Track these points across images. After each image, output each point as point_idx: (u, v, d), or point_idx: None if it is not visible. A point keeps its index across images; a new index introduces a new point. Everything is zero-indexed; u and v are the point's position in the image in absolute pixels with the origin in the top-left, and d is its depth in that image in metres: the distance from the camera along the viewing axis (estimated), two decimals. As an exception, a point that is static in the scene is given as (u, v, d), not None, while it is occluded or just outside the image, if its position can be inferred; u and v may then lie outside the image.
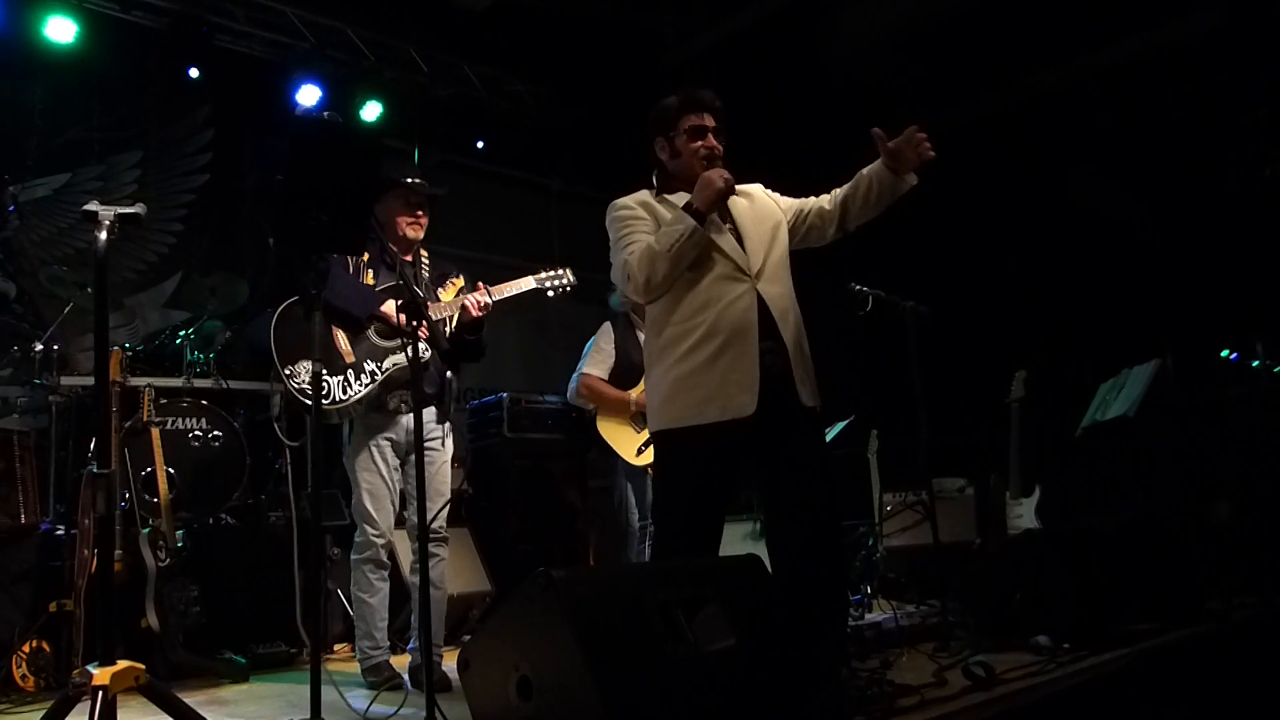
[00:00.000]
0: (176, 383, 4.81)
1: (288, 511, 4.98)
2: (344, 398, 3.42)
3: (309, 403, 3.15)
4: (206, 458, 4.71)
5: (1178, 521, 4.63)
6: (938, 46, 6.73)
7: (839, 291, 4.56)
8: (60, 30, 5.39)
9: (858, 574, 5.61)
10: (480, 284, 3.62)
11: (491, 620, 2.41)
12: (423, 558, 2.67)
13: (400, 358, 3.44)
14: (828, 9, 6.53)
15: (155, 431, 4.12)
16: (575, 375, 4.62)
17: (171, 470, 4.31)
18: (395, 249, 3.45)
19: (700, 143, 2.83)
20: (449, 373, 3.60)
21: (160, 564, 3.90)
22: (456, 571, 4.84)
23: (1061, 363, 6.31)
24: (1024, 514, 4.82)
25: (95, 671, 1.88)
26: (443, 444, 3.67)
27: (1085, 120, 7.18)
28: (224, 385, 4.90)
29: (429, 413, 3.53)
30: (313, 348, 2.49)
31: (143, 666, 1.96)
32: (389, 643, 3.71)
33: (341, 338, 3.51)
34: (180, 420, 4.68)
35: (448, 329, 3.57)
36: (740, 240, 2.81)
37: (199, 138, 6.38)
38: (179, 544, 4.00)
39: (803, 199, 3.01)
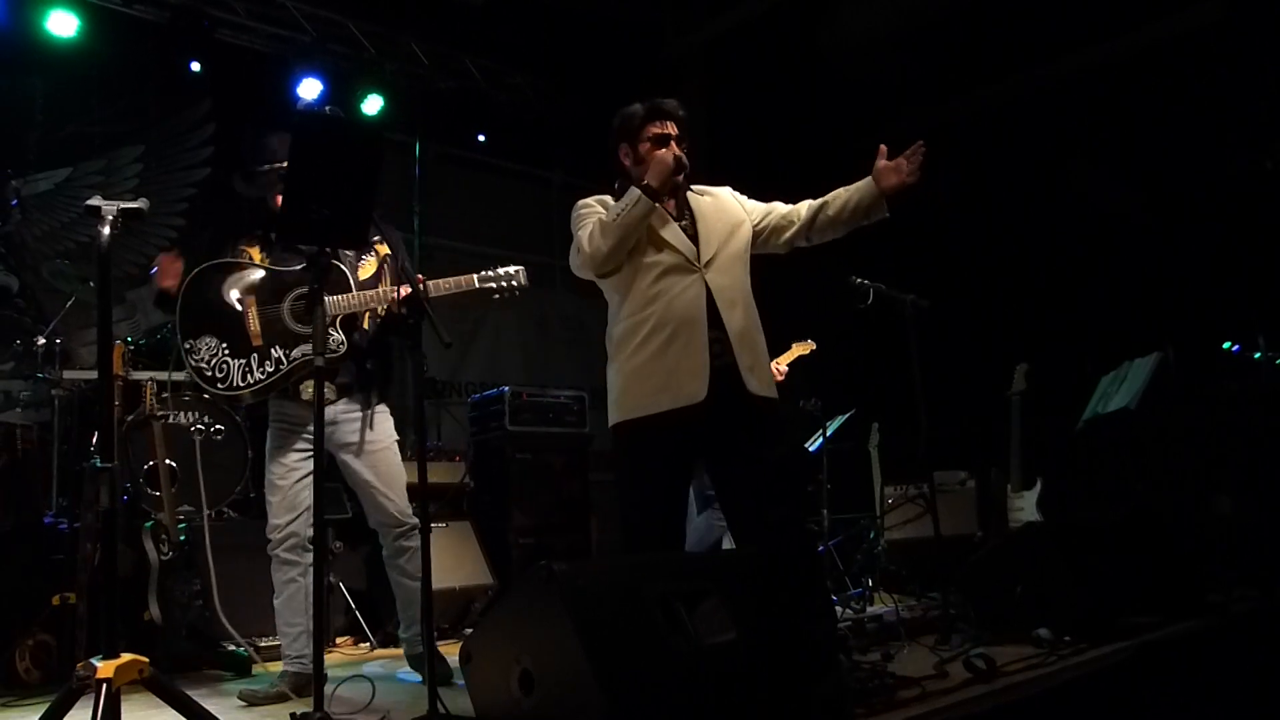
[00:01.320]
0: (179, 376, 4.79)
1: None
2: (241, 385, 3.14)
3: (206, 386, 3.09)
4: (208, 451, 4.71)
5: (1179, 514, 4.64)
6: (937, 39, 6.71)
7: (840, 285, 4.56)
8: (62, 24, 5.39)
9: (859, 566, 5.62)
10: (420, 277, 3.26)
11: (493, 613, 2.42)
12: (425, 549, 2.66)
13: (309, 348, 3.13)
14: (828, 2, 6.52)
15: (157, 425, 4.12)
16: None
17: (173, 464, 4.32)
18: None
19: (663, 150, 2.86)
20: (368, 363, 3.35)
21: (163, 557, 3.91)
22: (458, 564, 4.86)
23: (1062, 355, 6.31)
24: (1025, 507, 4.82)
25: (99, 665, 1.89)
26: (373, 428, 3.38)
27: (1086, 113, 7.17)
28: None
29: (346, 402, 3.33)
30: (316, 341, 2.47)
31: (146, 660, 1.96)
32: (307, 651, 3.25)
33: (253, 315, 3.20)
34: (182, 414, 4.68)
35: (368, 321, 3.34)
36: (695, 233, 2.86)
37: (200, 132, 6.38)
38: (181, 537, 4.01)
39: (771, 203, 3.04)
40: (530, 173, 8.06)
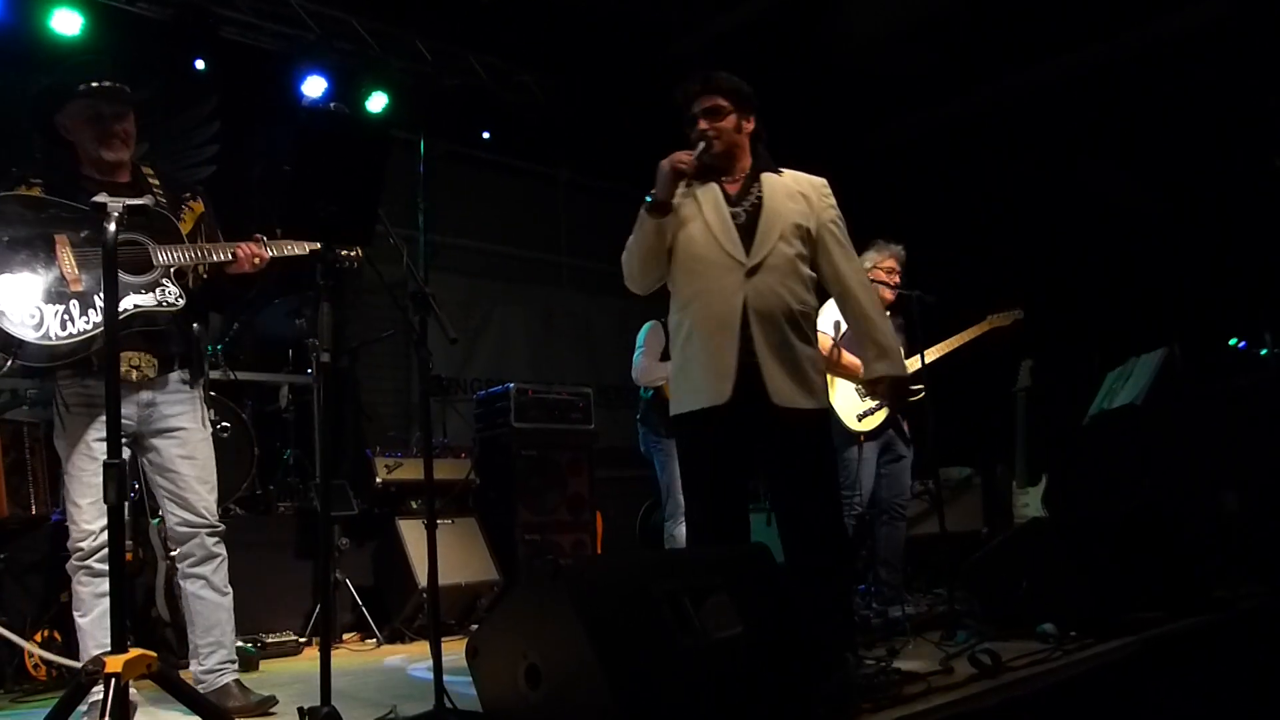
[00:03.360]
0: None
1: (296, 501, 5.01)
2: (61, 335, 2.59)
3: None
4: (215, 448, 4.72)
5: (1184, 510, 4.63)
6: (945, 34, 6.70)
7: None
8: (66, 22, 5.39)
9: (864, 563, 5.62)
10: (257, 235, 2.94)
11: (500, 609, 2.42)
12: (431, 546, 2.65)
13: (146, 300, 2.72)
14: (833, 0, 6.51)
15: (164, 422, 4.13)
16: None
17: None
18: (94, 174, 2.84)
19: (695, 129, 2.84)
20: (195, 325, 2.95)
21: (169, 554, 3.93)
22: (464, 561, 4.87)
23: (1068, 351, 6.30)
24: (1031, 503, 4.82)
25: (107, 659, 1.90)
26: (196, 418, 2.96)
27: (1094, 109, 7.15)
28: (232, 376, 4.91)
29: (174, 377, 2.91)
30: (321, 338, 2.46)
31: (154, 654, 1.97)
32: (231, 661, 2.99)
33: (68, 254, 2.66)
34: (189, 411, 4.69)
35: (194, 281, 2.93)
36: (754, 231, 2.79)
37: (205, 130, 6.38)
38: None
39: (835, 229, 2.92)
40: (536, 170, 8.06)
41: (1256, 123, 6.40)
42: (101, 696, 1.87)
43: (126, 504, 2.98)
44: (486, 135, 7.48)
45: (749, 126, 2.90)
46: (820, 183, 2.94)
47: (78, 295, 2.64)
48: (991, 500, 5.75)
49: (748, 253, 2.76)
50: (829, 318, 4.62)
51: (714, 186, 2.86)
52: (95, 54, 5.58)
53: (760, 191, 2.86)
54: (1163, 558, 3.73)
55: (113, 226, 1.97)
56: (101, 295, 2.57)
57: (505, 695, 2.22)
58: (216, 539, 2.99)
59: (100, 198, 1.99)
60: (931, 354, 4.42)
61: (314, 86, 6.17)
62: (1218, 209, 6.82)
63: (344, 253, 2.96)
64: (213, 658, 2.93)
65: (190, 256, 2.84)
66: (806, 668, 2.34)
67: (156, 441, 2.91)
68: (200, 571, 2.95)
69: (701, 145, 2.79)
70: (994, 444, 5.24)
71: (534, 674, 2.13)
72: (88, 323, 2.62)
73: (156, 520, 4.00)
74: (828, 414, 2.96)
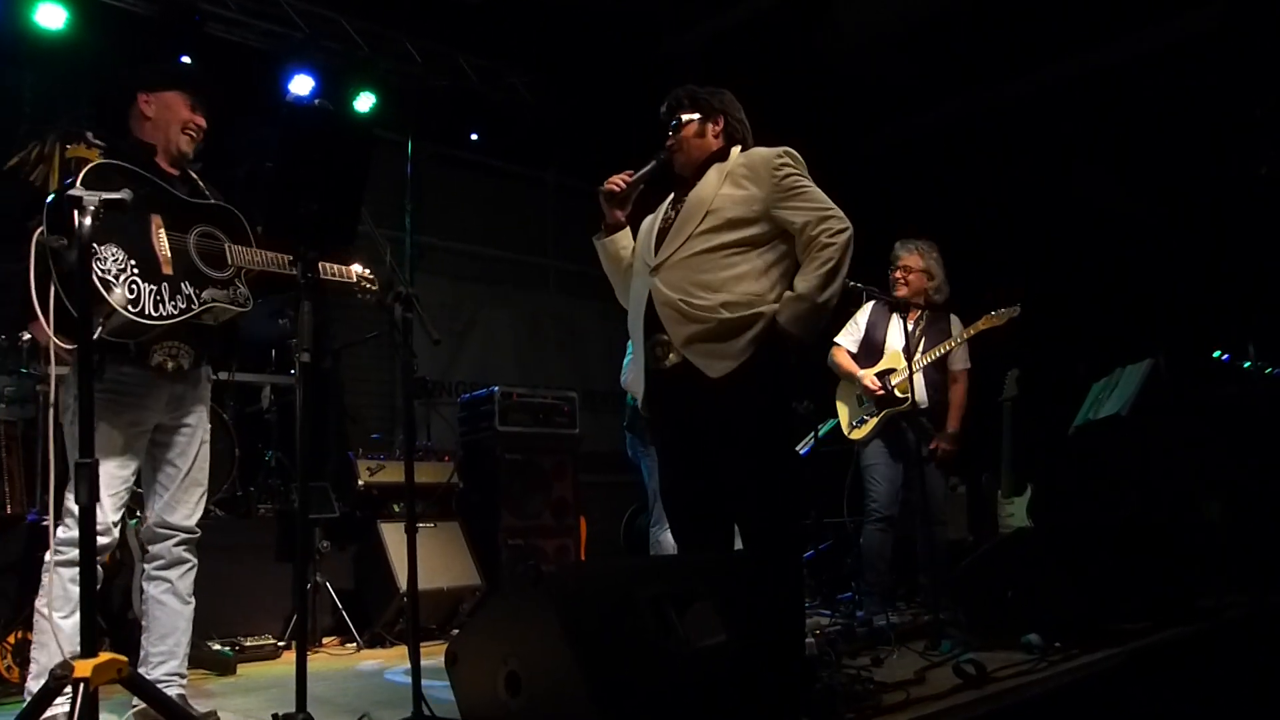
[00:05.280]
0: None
1: (277, 504, 4.96)
2: (155, 315, 2.58)
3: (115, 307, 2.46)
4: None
5: (1169, 520, 4.64)
6: (937, 40, 6.71)
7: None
8: (51, 17, 5.34)
9: (849, 571, 5.60)
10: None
11: (480, 614, 2.40)
12: (411, 549, 2.63)
13: (222, 294, 2.73)
14: (827, 1, 6.51)
15: (143, 422, 4.08)
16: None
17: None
18: (163, 164, 2.86)
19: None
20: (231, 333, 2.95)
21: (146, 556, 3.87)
22: (446, 565, 4.83)
23: (1055, 361, 6.31)
24: (1016, 513, 4.82)
25: (76, 664, 1.86)
26: (205, 416, 2.98)
27: (1081, 117, 7.18)
28: (214, 377, 4.86)
29: (204, 373, 2.93)
30: (301, 337, 2.42)
31: (125, 659, 1.93)
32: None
33: (163, 237, 2.68)
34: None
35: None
36: (670, 230, 2.77)
37: (190, 127, 6.32)
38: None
39: (795, 211, 2.72)
40: (524, 173, 8.03)
41: (1244, 132, 6.44)
42: (69, 703, 1.83)
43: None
44: (475, 137, 7.45)
45: (716, 128, 2.87)
46: (771, 155, 2.76)
47: (168, 279, 2.64)
48: (977, 510, 5.74)
49: (655, 253, 2.76)
50: (848, 334, 4.65)
51: (673, 194, 2.89)
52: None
53: (693, 189, 2.83)
54: (1148, 568, 3.73)
55: (88, 220, 1.92)
56: (187, 283, 2.67)
57: (485, 702, 2.19)
58: (189, 545, 2.88)
59: (75, 190, 1.95)
60: (928, 356, 4.42)
61: (301, 85, 6.12)
62: (1204, 219, 6.85)
63: (366, 284, 3.03)
64: (162, 668, 2.77)
65: (262, 260, 2.81)
66: (790, 676, 2.31)
67: (169, 438, 2.83)
68: (167, 575, 2.82)
69: (652, 162, 2.84)
70: (979, 453, 5.23)
71: (514, 681, 2.10)
72: (175, 308, 2.63)
73: (135, 521, 3.94)
74: (752, 378, 2.66)
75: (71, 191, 1.94)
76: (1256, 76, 6.20)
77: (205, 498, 2.96)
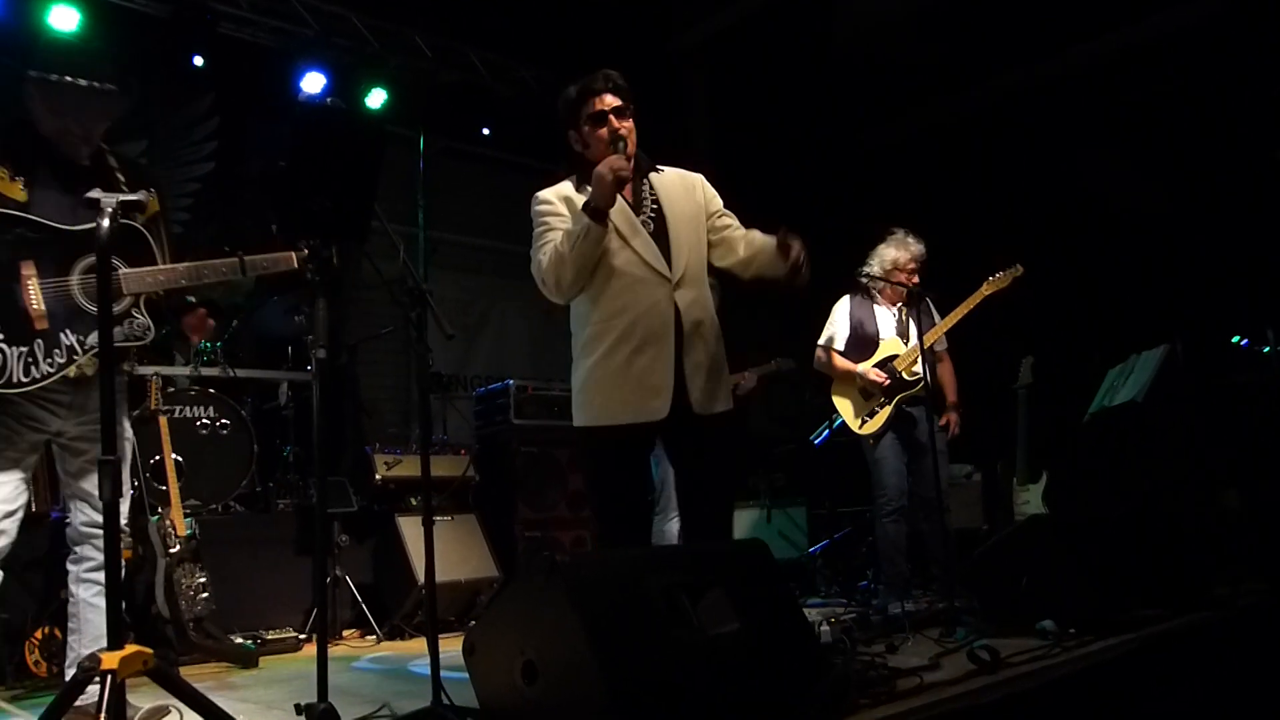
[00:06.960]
0: (184, 371, 4.83)
1: (295, 499, 5.01)
2: (24, 380, 2.42)
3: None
4: (214, 446, 4.73)
5: (1185, 507, 4.62)
6: (948, 29, 6.68)
7: (845, 278, 4.55)
8: (63, 19, 5.38)
9: (862, 560, 5.62)
10: (239, 252, 2.70)
11: (497, 605, 2.41)
12: (428, 540, 2.65)
13: (117, 332, 2.50)
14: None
15: (163, 420, 4.14)
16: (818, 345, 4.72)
17: (179, 458, 4.33)
18: (70, 154, 2.63)
19: (602, 129, 2.79)
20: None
21: (169, 551, 3.94)
22: (464, 558, 4.87)
23: (1069, 348, 6.28)
24: (1031, 500, 4.81)
25: (104, 656, 1.89)
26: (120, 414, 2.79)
27: (1096, 104, 7.13)
28: (231, 373, 4.92)
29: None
30: (317, 334, 2.45)
31: (151, 651, 1.96)
32: None
33: (33, 287, 2.46)
34: (188, 408, 4.70)
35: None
36: (667, 239, 2.78)
37: (204, 126, 6.38)
38: (187, 531, 4.03)
39: (729, 217, 2.92)
40: (535, 166, 8.02)
41: (1257, 117, 6.38)
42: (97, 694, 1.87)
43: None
44: (486, 131, 7.47)
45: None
46: (698, 178, 2.94)
47: (43, 334, 2.47)
48: (992, 497, 5.73)
49: (669, 265, 2.75)
50: (827, 332, 4.64)
51: (629, 188, 2.82)
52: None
53: (655, 195, 2.84)
54: (1163, 555, 3.72)
55: (106, 223, 1.95)
56: (68, 331, 2.49)
57: (502, 691, 2.22)
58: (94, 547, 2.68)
59: (93, 193, 1.98)
60: (936, 332, 4.40)
61: (313, 83, 6.16)
62: (1220, 205, 6.79)
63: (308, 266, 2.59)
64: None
65: (166, 278, 2.60)
66: (803, 663, 2.33)
67: (82, 444, 2.65)
68: (96, 578, 2.65)
69: (621, 145, 2.73)
70: (995, 441, 5.22)
71: (530, 670, 2.13)
72: (51, 365, 2.46)
73: (155, 517, 4.01)
74: (740, 413, 2.97)
75: (89, 194, 1.97)
76: (1271, 59, 6.14)
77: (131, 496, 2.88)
